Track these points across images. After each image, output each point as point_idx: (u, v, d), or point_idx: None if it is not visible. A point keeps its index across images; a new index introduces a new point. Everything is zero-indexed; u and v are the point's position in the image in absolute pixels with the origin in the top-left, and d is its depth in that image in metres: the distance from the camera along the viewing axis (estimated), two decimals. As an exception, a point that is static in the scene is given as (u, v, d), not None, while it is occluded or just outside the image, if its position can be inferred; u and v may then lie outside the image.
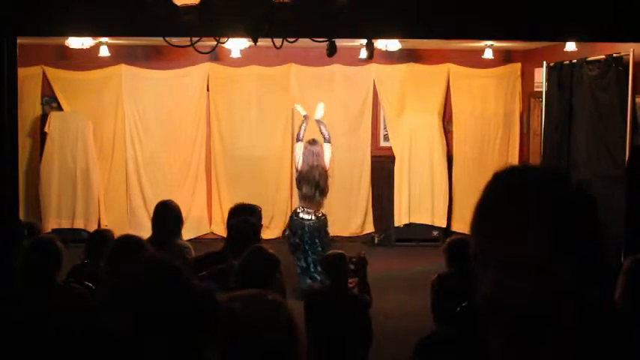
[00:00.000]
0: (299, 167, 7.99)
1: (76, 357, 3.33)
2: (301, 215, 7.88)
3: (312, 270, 7.71)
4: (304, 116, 8.41)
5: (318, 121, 8.22)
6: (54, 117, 10.32)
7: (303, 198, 7.94)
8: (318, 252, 7.62)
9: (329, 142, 8.07)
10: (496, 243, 1.29)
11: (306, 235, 7.78)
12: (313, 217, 7.85)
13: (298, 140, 8.15)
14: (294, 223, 7.92)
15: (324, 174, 7.91)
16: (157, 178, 10.75)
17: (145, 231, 5.37)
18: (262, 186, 10.67)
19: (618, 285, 3.70)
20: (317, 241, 7.79)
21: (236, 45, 8.89)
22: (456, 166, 11.04)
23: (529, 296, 1.26)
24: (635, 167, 7.31)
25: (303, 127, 8.19)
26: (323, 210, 8.03)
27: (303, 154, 7.95)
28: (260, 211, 5.79)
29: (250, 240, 4.76)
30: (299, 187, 8.01)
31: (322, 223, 7.91)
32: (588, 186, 8.76)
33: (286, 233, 8.07)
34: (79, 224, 10.31)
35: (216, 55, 9.94)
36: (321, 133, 8.09)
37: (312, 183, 7.84)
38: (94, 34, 8.13)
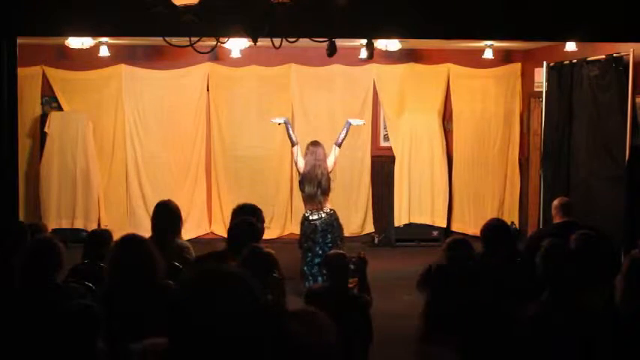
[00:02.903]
0: (301, 169, 7.97)
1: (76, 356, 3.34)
2: (310, 218, 7.87)
3: (312, 276, 7.67)
4: (285, 123, 8.30)
5: (348, 125, 8.19)
6: (54, 117, 10.32)
7: (306, 198, 7.92)
8: (327, 249, 7.54)
9: (339, 146, 8.08)
10: None
11: (319, 235, 7.78)
12: (323, 215, 7.86)
13: (294, 145, 8.12)
14: (306, 228, 7.90)
15: (326, 174, 7.90)
16: (157, 178, 10.75)
17: (145, 231, 5.35)
18: (262, 186, 10.67)
19: (618, 285, 3.70)
20: (329, 236, 7.78)
21: (236, 45, 8.89)
22: (456, 166, 11.04)
23: None
24: (635, 167, 7.32)
25: (293, 136, 8.16)
26: (329, 205, 8.00)
27: (305, 155, 7.93)
28: (261, 212, 5.76)
29: (250, 240, 4.75)
30: (302, 189, 7.98)
31: (333, 217, 7.92)
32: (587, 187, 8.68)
33: (302, 241, 8.04)
34: (78, 224, 10.30)
35: (216, 55, 9.94)
36: (339, 135, 8.10)
37: (314, 182, 7.83)
38: (94, 34, 8.14)
